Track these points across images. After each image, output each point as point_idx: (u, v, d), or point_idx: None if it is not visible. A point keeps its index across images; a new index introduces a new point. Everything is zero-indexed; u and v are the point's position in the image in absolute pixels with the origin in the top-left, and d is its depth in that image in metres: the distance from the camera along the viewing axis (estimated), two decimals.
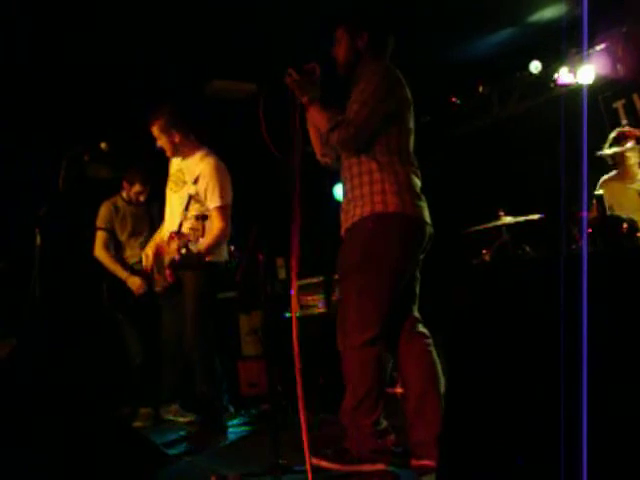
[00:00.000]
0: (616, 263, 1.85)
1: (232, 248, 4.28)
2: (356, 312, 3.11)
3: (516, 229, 5.64)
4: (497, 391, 1.95)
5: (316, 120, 3.31)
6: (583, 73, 6.25)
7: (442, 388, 3.17)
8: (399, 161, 3.21)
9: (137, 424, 5.14)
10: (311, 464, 3.19)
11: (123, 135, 5.28)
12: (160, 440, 4.33)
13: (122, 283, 5.20)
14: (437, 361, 3.22)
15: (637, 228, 4.23)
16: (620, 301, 1.72)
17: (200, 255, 3.96)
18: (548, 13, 6.02)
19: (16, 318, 4.17)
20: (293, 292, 3.03)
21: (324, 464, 3.15)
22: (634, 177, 5.00)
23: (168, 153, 4.45)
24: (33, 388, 3.04)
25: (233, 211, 4.35)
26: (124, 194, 5.51)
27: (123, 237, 5.45)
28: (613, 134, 5.12)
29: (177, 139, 4.37)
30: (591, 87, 6.25)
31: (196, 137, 4.48)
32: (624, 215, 4.33)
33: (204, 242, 4.01)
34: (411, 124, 3.34)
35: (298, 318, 6.13)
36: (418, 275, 3.36)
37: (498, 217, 5.63)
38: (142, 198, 5.48)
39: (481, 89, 7.50)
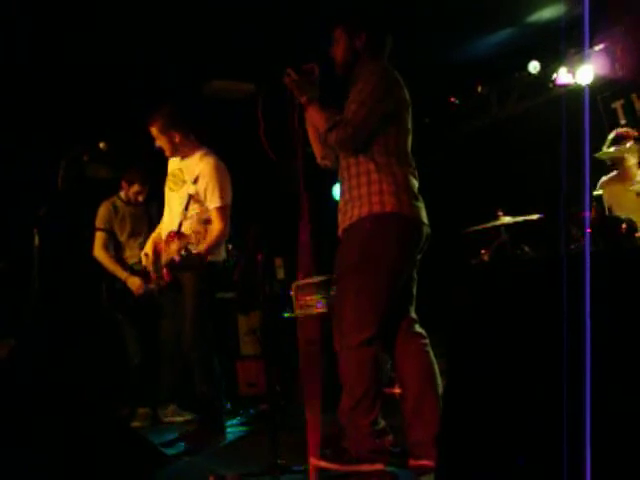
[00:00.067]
0: (616, 263, 1.85)
1: (230, 247, 4.27)
2: (353, 312, 3.11)
3: (515, 229, 5.65)
4: (497, 391, 1.95)
5: (314, 120, 3.31)
6: (582, 73, 6.26)
7: (440, 388, 3.17)
8: (397, 162, 3.21)
9: (135, 424, 5.14)
10: (309, 464, 3.20)
11: (122, 135, 5.28)
12: (158, 440, 4.33)
13: (121, 283, 5.20)
14: (434, 361, 3.22)
15: (636, 228, 4.24)
16: (620, 301, 1.72)
17: (201, 256, 3.96)
18: (547, 13, 6.02)
19: (15, 318, 4.17)
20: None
21: (323, 464, 3.15)
22: (633, 178, 5.00)
23: (167, 153, 4.44)
24: (32, 388, 3.04)
25: (232, 211, 4.35)
26: (123, 194, 5.51)
27: (122, 237, 5.45)
28: (612, 135, 5.12)
29: (177, 139, 4.36)
30: (590, 87, 6.25)
31: (196, 137, 4.47)
32: (623, 215, 4.34)
33: (204, 243, 4.01)
34: (409, 125, 3.34)
35: (297, 319, 6.14)
36: (415, 276, 3.36)
37: (497, 217, 5.64)
38: (141, 198, 5.48)
39: (480, 89, 7.51)
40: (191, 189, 4.27)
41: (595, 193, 5.08)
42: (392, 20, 3.58)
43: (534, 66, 6.70)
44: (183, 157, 4.43)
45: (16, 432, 2.85)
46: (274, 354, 5.37)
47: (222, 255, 4.45)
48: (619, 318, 1.69)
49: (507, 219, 5.59)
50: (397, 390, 3.49)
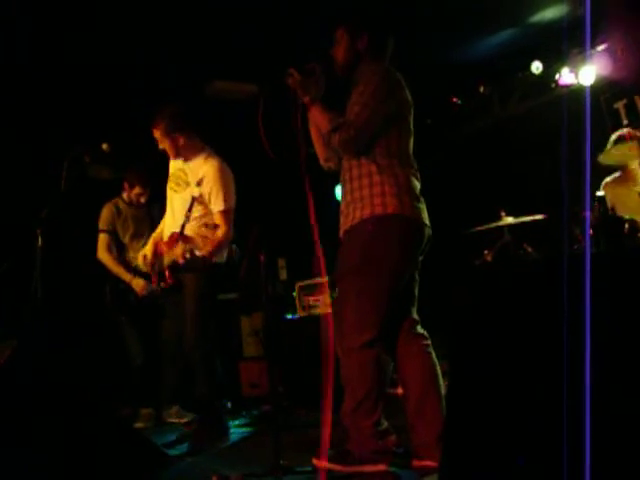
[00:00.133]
0: (618, 263, 1.84)
1: (234, 247, 4.27)
2: (354, 314, 3.11)
3: (518, 230, 5.64)
4: (499, 391, 1.95)
5: (318, 121, 3.30)
6: (584, 74, 6.25)
7: (442, 389, 3.17)
8: (399, 163, 3.21)
9: (138, 425, 5.15)
10: (313, 465, 3.20)
11: (124, 136, 5.28)
12: (161, 441, 4.33)
13: (125, 284, 5.21)
14: (436, 362, 3.22)
15: (638, 229, 4.23)
16: (622, 301, 1.72)
17: (205, 259, 3.96)
18: (549, 13, 6.02)
19: (18, 319, 4.17)
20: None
21: (326, 465, 3.14)
22: (636, 179, 5.00)
23: (171, 156, 4.40)
24: (34, 388, 3.04)
25: (235, 211, 4.33)
26: (125, 196, 5.52)
27: (125, 239, 5.46)
28: (614, 136, 5.11)
29: (181, 142, 4.31)
30: (592, 87, 6.25)
31: (199, 138, 4.44)
32: (626, 216, 4.33)
33: (209, 247, 4.00)
34: (411, 126, 3.33)
35: (300, 319, 6.15)
36: (417, 277, 3.36)
37: (500, 217, 5.63)
38: (143, 200, 5.49)
39: (482, 89, 7.50)
40: (195, 191, 4.25)
41: (598, 194, 5.07)
42: (394, 20, 3.57)
43: (536, 66, 6.69)
44: (186, 159, 4.39)
45: (16, 432, 2.86)
46: (277, 355, 5.37)
47: (224, 257, 4.44)
48: (620, 319, 1.69)
49: (510, 219, 5.58)
50: (399, 391, 3.49)
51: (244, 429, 4.88)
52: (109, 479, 3.01)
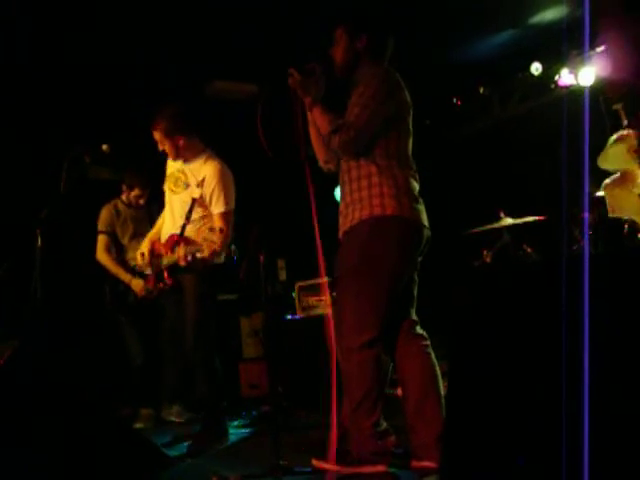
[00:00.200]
0: (617, 264, 1.85)
1: (233, 248, 4.27)
2: (353, 314, 3.12)
3: (517, 230, 5.65)
4: (499, 392, 1.95)
5: (318, 122, 3.29)
6: (584, 75, 6.25)
7: (441, 390, 3.17)
8: (398, 165, 3.21)
9: (138, 425, 5.15)
10: (312, 466, 3.21)
11: (124, 136, 5.28)
12: (161, 441, 4.33)
13: (124, 284, 5.21)
14: (435, 363, 3.22)
15: (637, 230, 4.24)
16: (620, 302, 1.72)
17: (205, 261, 3.96)
18: (549, 15, 6.02)
19: (18, 319, 4.17)
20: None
21: (325, 465, 3.15)
22: (635, 180, 5.00)
23: (171, 157, 4.38)
24: (34, 389, 3.04)
25: (235, 211, 4.33)
26: (124, 197, 5.52)
27: (124, 240, 5.46)
28: (613, 138, 5.11)
29: (181, 143, 4.28)
30: (592, 88, 6.24)
31: (199, 138, 4.42)
32: (625, 217, 4.34)
33: (209, 249, 3.98)
34: (410, 127, 3.33)
35: (300, 320, 6.15)
36: (416, 278, 3.36)
37: (499, 218, 5.64)
38: (142, 201, 5.49)
39: (482, 90, 7.50)
40: (195, 193, 4.24)
41: (597, 195, 5.07)
42: (394, 21, 3.57)
43: (536, 67, 6.69)
44: (186, 160, 4.37)
45: (16, 432, 2.86)
46: (276, 356, 5.37)
47: (222, 258, 4.43)
48: (619, 319, 1.70)
49: (509, 220, 5.59)
50: (399, 392, 3.49)
51: (243, 430, 4.88)
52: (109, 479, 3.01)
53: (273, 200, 6.84)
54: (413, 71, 3.58)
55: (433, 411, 3.09)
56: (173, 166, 4.45)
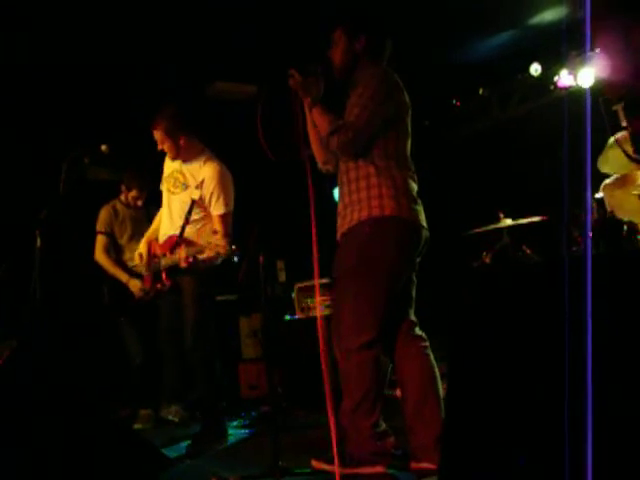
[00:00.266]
0: (617, 265, 1.85)
1: (234, 247, 4.27)
2: (352, 315, 3.12)
3: (516, 231, 5.65)
4: (499, 393, 1.95)
5: (318, 123, 3.29)
6: (583, 76, 6.25)
7: (440, 391, 3.17)
8: (396, 166, 3.21)
9: (137, 426, 5.14)
10: (311, 467, 3.21)
11: (124, 137, 5.28)
12: (160, 442, 4.33)
13: (122, 285, 5.21)
14: (434, 364, 3.22)
15: (637, 231, 4.24)
16: (621, 303, 1.72)
17: (205, 263, 3.96)
18: (548, 16, 6.02)
19: (16, 320, 4.17)
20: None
21: (324, 466, 3.15)
22: (635, 182, 5.00)
23: (171, 156, 4.37)
24: (33, 389, 3.04)
25: (234, 212, 4.33)
26: (122, 198, 5.53)
27: (123, 240, 5.47)
28: (611, 141, 5.11)
29: (182, 142, 4.28)
30: (591, 89, 6.24)
31: (199, 139, 4.42)
32: (625, 219, 4.34)
33: (210, 251, 3.98)
34: (409, 128, 3.33)
35: (299, 320, 6.15)
36: (414, 278, 3.35)
37: (498, 219, 5.64)
38: (140, 202, 5.50)
39: (481, 91, 7.50)
40: (195, 194, 4.23)
41: (597, 196, 5.07)
42: (393, 22, 3.57)
43: (535, 68, 6.69)
44: (185, 160, 4.37)
45: (16, 432, 2.86)
46: (275, 356, 5.37)
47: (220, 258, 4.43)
48: (620, 320, 1.70)
49: (509, 221, 5.59)
50: (398, 393, 3.49)
51: (243, 430, 4.88)
52: None
53: (273, 201, 6.83)
54: (413, 72, 3.58)
55: (432, 412, 3.09)
56: (171, 166, 4.44)
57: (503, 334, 2.00)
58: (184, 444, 4.22)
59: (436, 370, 3.21)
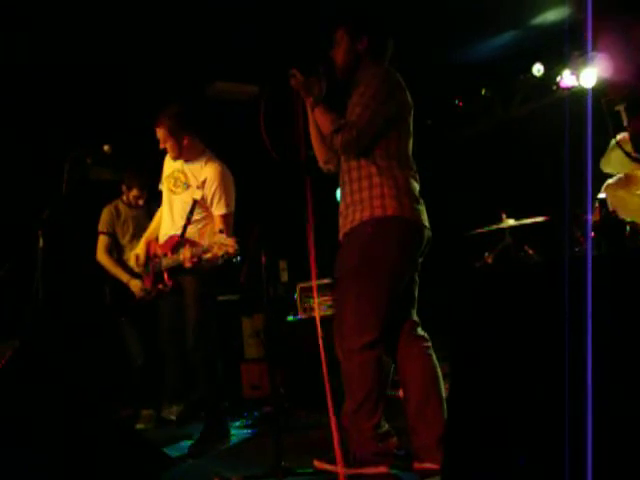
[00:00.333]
0: (619, 266, 1.84)
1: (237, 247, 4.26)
2: (354, 315, 3.11)
3: (519, 232, 5.64)
4: (501, 393, 1.95)
5: (320, 122, 3.29)
6: (586, 76, 6.24)
7: (442, 391, 3.16)
8: (398, 165, 3.20)
9: (139, 426, 5.15)
10: (314, 467, 3.20)
11: (125, 137, 5.28)
12: (162, 442, 4.33)
13: (124, 285, 5.21)
14: (437, 364, 3.21)
15: (639, 231, 4.23)
16: (623, 303, 1.72)
17: (210, 263, 3.96)
18: (551, 16, 6.01)
19: (18, 320, 4.18)
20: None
21: (326, 467, 3.14)
22: (638, 182, 4.99)
23: (172, 156, 4.36)
24: (35, 389, 3.04)
25: (235, 212, 4.32)
26: (124, 198, 5.53)
27: (124, 240, 5.47)
28: (613, 142, 5.10)
29: (185, 142, 4.28)
30: (593, 90, 6.24)
31: (201, 139, 4.41)
32: (627, 219, 4.33)
33: (212, 251, 3.97)
34: (411, 128, 3.33)
35: (301, 321, 6.15)
36: (417, 278, 3.35)
37: (501, 220, 5.63)
38: (141, 202, 5.50)
39: (484, 92, 7.50)
40: (196, 194, 4.23)
41: (600, 196, 5.06)
42: (395, 22, 3.57)
43: (538, 69, 6.68)
44: (187, 160, 4.36)
45: (18, 433, 2.86)
46: (278, 356, 5.37)
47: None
48: (621, 321, 1.69)
49: (511, 222, 5.58)
50: (400, 393, 3.48)
51: (245, 430, 4.88)
52: None
53: (274, 201, 6.83)
54: (415, 71, 3.58)
55: (434, 413, 3.08)
56: (172, 166, 4.43)
57: (505, 334, 2.00)
58: (186, 444, 4.23)
59: (438, 370, 3.20)
